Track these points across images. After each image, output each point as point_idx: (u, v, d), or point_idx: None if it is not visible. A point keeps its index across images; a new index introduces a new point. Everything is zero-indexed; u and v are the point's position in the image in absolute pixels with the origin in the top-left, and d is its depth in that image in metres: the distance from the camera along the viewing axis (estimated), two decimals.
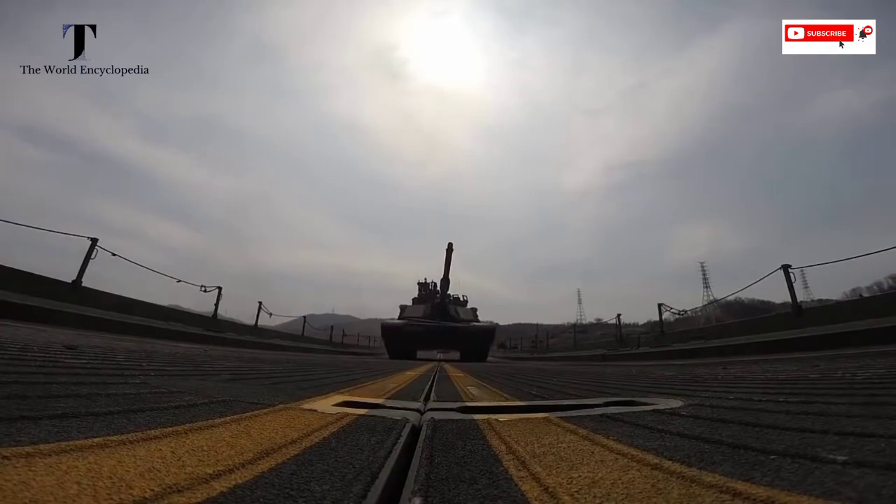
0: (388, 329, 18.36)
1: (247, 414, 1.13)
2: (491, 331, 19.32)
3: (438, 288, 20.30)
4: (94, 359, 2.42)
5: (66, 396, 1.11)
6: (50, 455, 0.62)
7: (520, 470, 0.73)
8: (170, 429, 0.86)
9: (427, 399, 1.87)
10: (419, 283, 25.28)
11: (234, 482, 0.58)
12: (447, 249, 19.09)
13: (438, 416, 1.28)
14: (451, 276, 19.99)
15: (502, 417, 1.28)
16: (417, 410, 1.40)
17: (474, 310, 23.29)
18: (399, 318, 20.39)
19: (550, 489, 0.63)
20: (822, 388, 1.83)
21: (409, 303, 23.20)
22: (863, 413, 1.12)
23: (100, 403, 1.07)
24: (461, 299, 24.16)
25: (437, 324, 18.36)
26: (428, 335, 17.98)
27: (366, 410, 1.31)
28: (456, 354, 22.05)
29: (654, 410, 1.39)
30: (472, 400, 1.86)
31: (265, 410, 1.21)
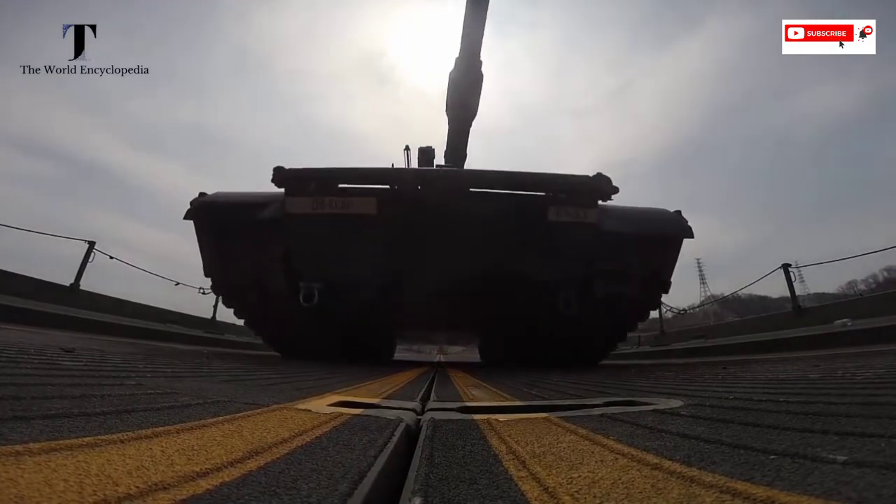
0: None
1: (240, 414, 1.12)
2: (677, 226, 4.85)
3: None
4: (91, 360, 2.41)
5: (60, 397, 1.10)
6: (39, 454, 0.62)
7: (520, 470, 0.73)
8: (161, 428, 0.85)
9: (426, 399, 1.87)
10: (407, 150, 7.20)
11: (220, 480, 0.58)
12: None
13: (438, 416, 1.27)
14: None
15: (502, 417, 1.27)
16: (413, 410, 1.39)
17: None
18: None
19: (550, 489, 0.62)
20: (822, 388, 1.82)
21: None
22: (863, 413, 1.11)
23: (93, 404, 1.06)
24: None
25: (446, 171, 5.37)
26: (407, 224, 4.24)
27: (361, 410, 1.30)
28: (473, 352, 10.36)
29: (654, 410, 1.38)
30: (472, 400, 1.85)
31: (259, 410, 1.20)
